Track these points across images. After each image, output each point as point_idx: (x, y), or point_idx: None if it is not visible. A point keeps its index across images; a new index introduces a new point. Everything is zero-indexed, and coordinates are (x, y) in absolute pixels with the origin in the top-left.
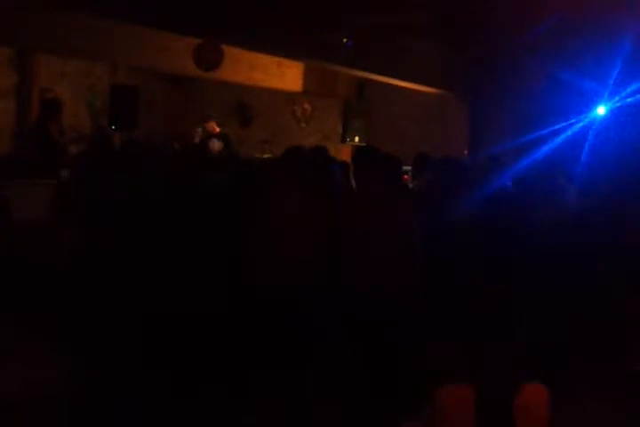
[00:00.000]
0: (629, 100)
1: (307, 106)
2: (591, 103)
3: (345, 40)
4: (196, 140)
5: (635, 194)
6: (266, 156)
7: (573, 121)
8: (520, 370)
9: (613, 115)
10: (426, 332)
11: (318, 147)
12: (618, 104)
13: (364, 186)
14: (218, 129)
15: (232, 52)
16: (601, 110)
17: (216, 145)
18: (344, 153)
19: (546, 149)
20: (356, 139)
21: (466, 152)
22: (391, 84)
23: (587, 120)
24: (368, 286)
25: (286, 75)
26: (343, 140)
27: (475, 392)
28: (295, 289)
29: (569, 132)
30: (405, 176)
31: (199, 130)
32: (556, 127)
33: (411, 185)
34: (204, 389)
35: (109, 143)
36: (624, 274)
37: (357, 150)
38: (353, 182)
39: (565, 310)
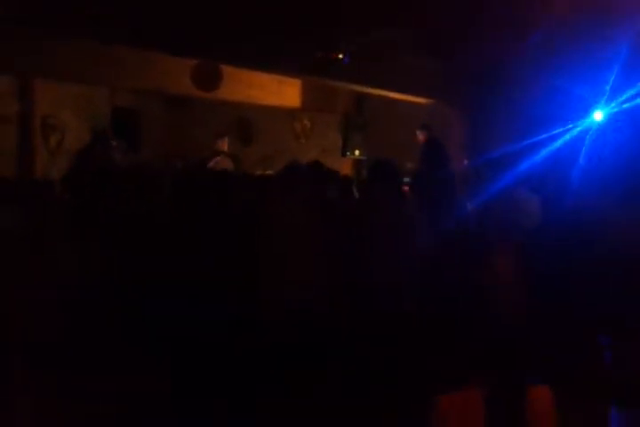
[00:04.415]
0: (627, 105)
1: (306, 122)
2: (588, 108)
3: (341, 56)
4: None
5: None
6: (268, 172)
7: (570, 126)
8: (526, 373)
9: (611, 120)
10: (431, 342)
11: (314, 163)
12: (615, 109)
13: (377, 202)
14: (225, 147)
15: (230, 71)
16: (598, 116)
17: (220, 163)
18: (345, 167)
19: (540, 156)
20: (357, 152)
21: (466, 162)
22: (389, 98)
23: (584, 126)
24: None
25: (285, 92)
26: (343, 155)
27: (482, 397)
28: (308, 313)
29: (567, 138)
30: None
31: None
32: (553, 133)
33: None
34: None
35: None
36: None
37: (373, 165)
38: (356, 195)
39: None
